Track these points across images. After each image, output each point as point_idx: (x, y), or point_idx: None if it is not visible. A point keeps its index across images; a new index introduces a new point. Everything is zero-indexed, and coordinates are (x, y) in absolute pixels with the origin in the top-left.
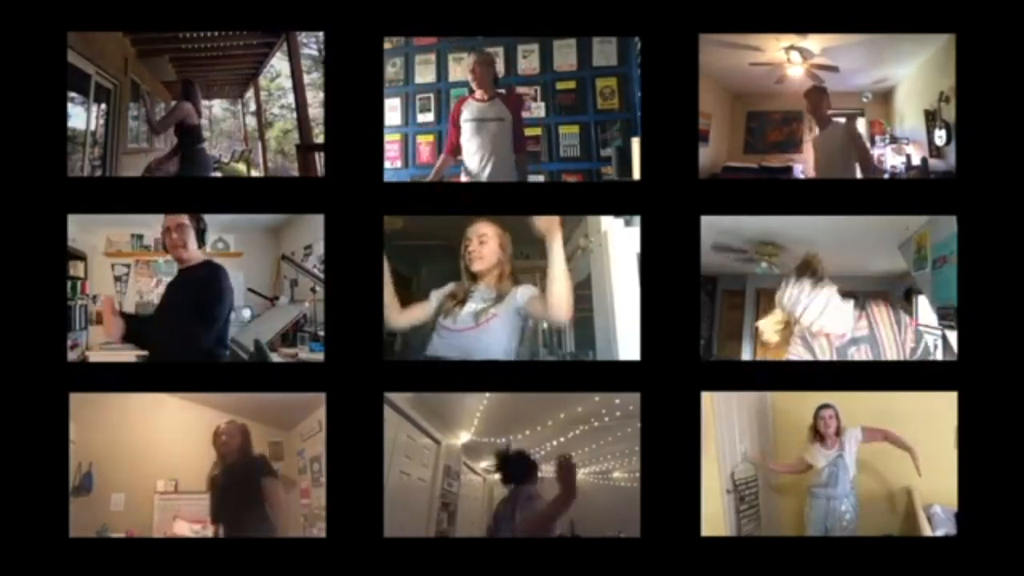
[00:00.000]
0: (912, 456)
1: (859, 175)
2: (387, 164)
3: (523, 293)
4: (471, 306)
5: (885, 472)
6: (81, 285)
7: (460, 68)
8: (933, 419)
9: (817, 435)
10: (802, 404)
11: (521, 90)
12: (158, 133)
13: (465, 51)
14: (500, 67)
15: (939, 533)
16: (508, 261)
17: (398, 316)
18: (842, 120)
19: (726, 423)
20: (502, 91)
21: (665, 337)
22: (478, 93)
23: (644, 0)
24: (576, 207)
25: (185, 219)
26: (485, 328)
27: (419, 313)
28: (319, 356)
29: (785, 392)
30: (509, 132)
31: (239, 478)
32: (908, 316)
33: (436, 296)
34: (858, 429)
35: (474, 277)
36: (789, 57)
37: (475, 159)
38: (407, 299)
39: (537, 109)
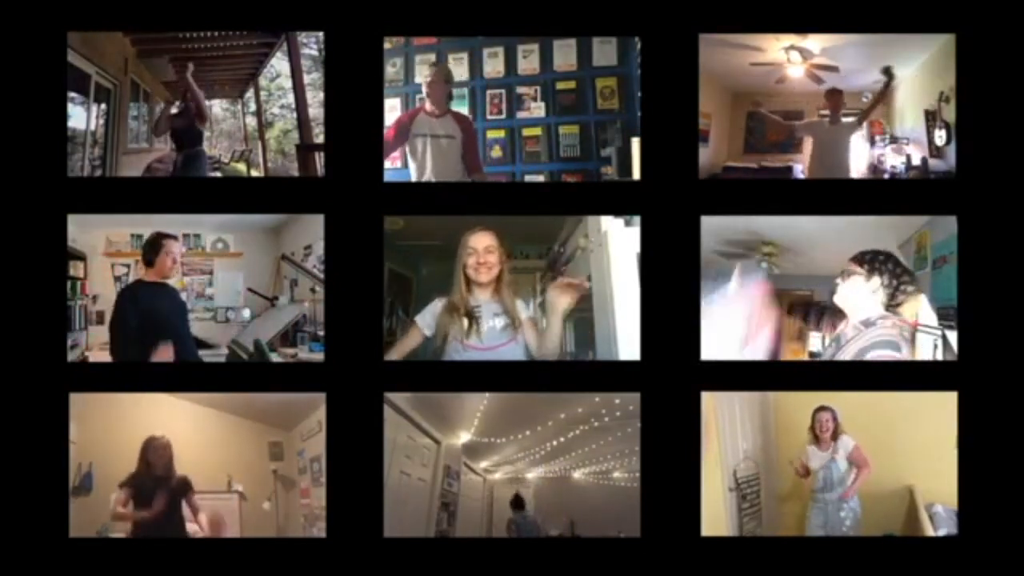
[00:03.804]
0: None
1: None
2: (387, 164)
3: (522, 308)
4: (492, 321)
5: (886, 471)
6: (81, 285)
7: (460, 69)
8: (933, 419)
9: (813, 437)
10: (803, 404)
11: (521, 90)
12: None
13: (465, 51)
14: (500, 67)
15: (941, 533)
16: (506, 269)
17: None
18: (852, 120)
19: (728, 421)
20: (456, 110)
21: (665, 337)
22: (429, 106)
23: (644, 0)
24: (576, 207)
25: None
26: (520, 340)
27: (411, 343)
28: (319, 356)
29: (786, 392)
30: (458, 151)
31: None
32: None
33: (426, 320)
34: (852, 443)
35: (471, 288)
36: (789, 57)
37: (420, 175)
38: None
39: (537, 109)
